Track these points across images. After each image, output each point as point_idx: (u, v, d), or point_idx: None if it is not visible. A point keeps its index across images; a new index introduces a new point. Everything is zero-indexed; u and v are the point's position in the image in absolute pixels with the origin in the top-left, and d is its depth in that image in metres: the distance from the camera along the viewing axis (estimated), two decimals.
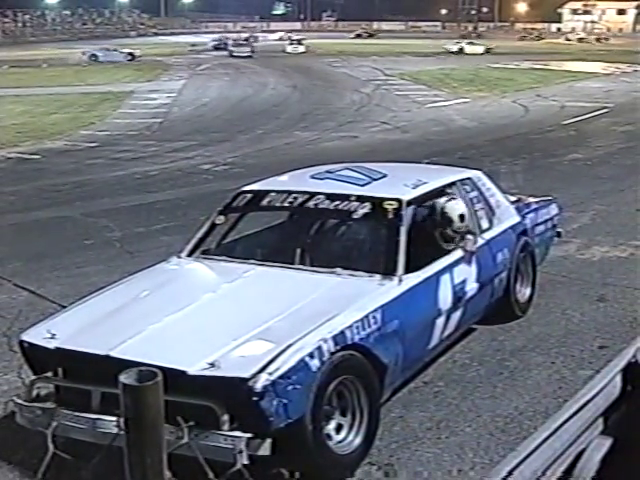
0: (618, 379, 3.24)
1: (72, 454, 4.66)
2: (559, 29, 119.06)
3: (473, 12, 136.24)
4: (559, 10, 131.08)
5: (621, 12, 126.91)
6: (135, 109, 30.53)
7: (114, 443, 4.22)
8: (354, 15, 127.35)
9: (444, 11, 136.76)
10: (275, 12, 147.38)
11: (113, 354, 4.83)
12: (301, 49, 69.66)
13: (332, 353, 4.86)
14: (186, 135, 23.44)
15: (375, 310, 5.36)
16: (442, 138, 22.25)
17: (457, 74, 44.27)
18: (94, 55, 59.52)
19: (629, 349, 3.47)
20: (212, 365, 4.61)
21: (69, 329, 5.29)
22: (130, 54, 60.33)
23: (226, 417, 4.52)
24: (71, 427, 4.91)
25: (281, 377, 4.54)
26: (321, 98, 33.72)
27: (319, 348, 4.79)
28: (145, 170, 18.06)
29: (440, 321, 6.17)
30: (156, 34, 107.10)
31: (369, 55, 60.93)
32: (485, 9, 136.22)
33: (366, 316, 5.26)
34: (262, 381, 4.48)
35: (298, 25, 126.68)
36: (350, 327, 5.08)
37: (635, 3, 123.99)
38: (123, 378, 2.86)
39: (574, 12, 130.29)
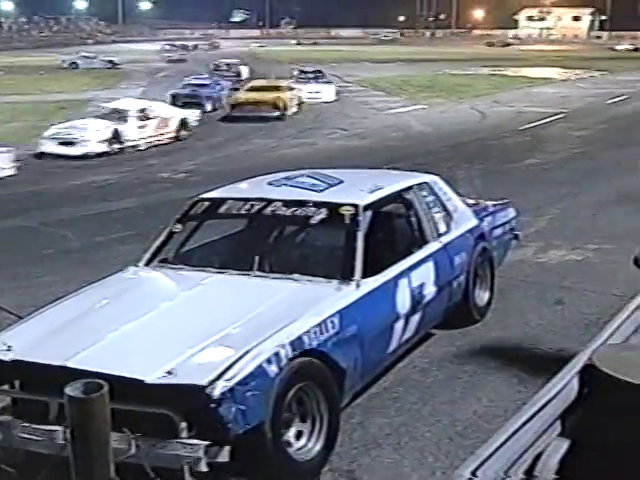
0: (575, 381, 3.25)
1: (19, 468, 4.58)
2: (516, 35, 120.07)
3: (431, 19, 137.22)
4: (515, 17, 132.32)
5: (576, 18, 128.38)
6: None
7: (62, 454, 4.16)
8: (312, 22, 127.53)
9: (402, 18, 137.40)
10: (234, 19, 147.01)
11: (69, 364, 4.77)
12: None
13: (290, 359, 4.85)
14: None
15: (333, 315, 5.36)
16: (400, 144, 22.37)
17: (416, 81, 44.57)
18: (74, 63, 59.47)
19: (585, 351, 3.48)
20: (169, 373, 4.59)
21: (25, 341, 5.23)
22: (110, 61, 60.33)
23: (184, 425, 4.49)
24: (26, 439, 4.85)
25: (239, 383, 4.53)
26: None
27: (277, 354, 4.78)
28: (104, 179, 17.96)
29: (399, 325, 6.18)
30: (114, 42, 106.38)
31: (328, 62, 61.01)
32: (442, 16, 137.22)
33: (324, 321, 5.25)
34: (219, 388, 4.46)
35: (257, 32, 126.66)
36: (308, 332, 5.08)
37: (589, 10, 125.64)
38: (69, 390, 2.82)
39: (530, 18, 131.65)
